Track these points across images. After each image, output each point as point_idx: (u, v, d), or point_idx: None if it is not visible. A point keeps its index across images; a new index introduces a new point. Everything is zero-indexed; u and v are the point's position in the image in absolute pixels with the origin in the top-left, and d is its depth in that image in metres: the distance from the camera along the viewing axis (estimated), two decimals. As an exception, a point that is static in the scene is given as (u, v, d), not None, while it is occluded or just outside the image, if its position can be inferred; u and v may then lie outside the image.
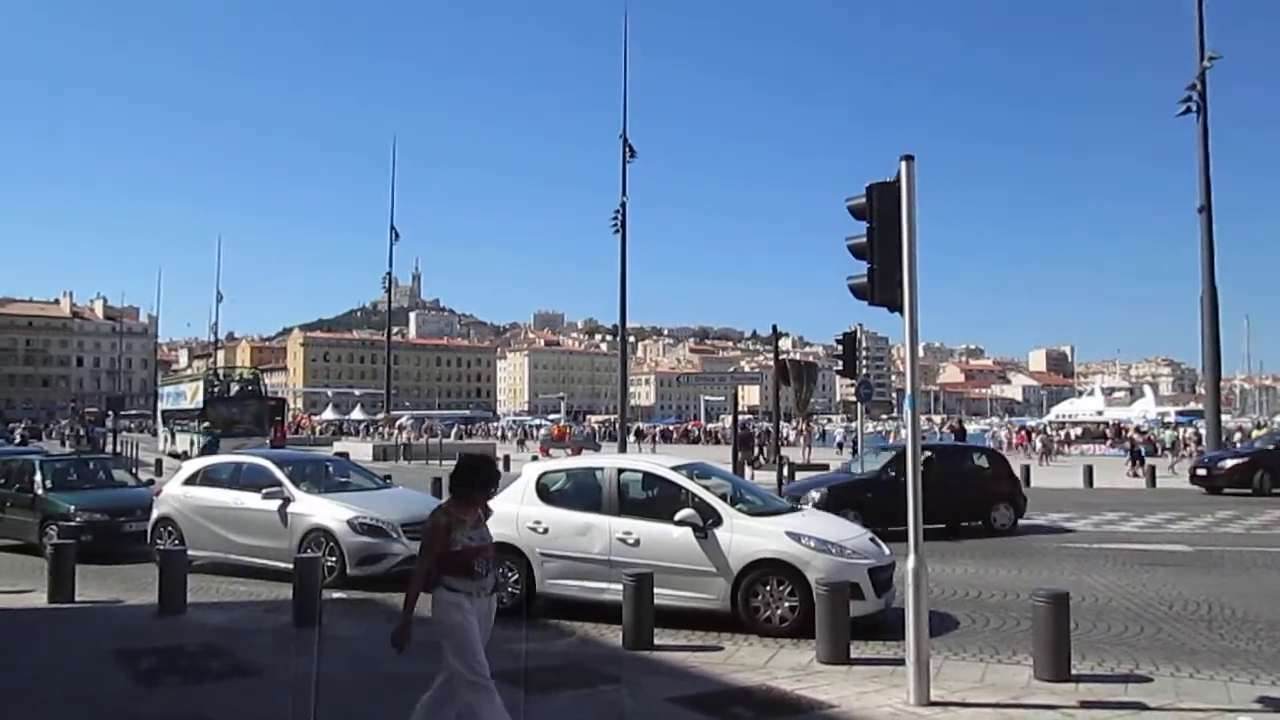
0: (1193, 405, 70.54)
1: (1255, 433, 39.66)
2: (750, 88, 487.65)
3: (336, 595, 12.10)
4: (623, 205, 45.09)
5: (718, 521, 10.09)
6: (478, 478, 5.83)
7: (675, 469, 11.03)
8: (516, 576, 10.73)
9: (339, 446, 50.56)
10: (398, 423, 73.52)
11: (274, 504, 13.58)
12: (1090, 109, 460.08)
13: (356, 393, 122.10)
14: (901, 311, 7.38)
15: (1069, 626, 8.14)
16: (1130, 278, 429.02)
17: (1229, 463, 27.08)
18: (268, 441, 38.66)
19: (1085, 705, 7.27)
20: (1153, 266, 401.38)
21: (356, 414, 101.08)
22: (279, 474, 14.10)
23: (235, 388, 45.91)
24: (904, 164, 7.40)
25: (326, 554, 12.79)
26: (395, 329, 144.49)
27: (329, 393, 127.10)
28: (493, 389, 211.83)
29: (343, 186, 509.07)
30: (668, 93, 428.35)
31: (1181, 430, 49.16)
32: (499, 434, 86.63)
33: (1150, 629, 10.13)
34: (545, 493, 11.20)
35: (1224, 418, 47.56)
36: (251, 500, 13.86)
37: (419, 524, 13.54)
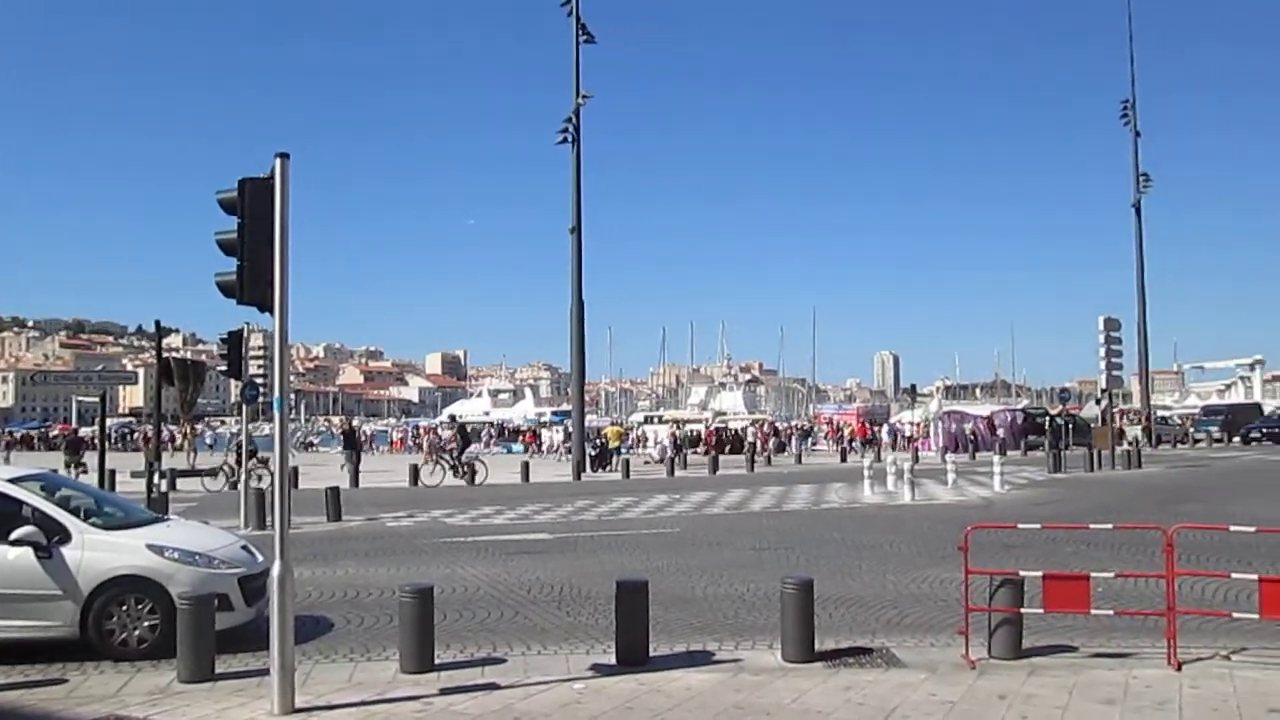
0: (565, 405, 78.28)
1: (608, 429, 45.24)
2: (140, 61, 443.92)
3: None
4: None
5: (65, 538, 9.03)
6: None
7: (15, 481, 9.65)
8: None
9: None
10: None
11: None
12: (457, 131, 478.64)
13: None
14: (272, 311, 7.21)
15: (433, 618, 8.54)
16: (517, 288, 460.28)
17: None
18: None
19: (445, 692, 7.68)
20: (538, 278, 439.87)
21: None
22: None
23: None
24: (279, 161, 7.25)
25: None
26: None
27: None
28: None
29: None
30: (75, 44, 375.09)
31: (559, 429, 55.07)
32: None
33: (510, 613, 11.00)
34: None
35: (589, 417, 54.10)
36: None
37: None
